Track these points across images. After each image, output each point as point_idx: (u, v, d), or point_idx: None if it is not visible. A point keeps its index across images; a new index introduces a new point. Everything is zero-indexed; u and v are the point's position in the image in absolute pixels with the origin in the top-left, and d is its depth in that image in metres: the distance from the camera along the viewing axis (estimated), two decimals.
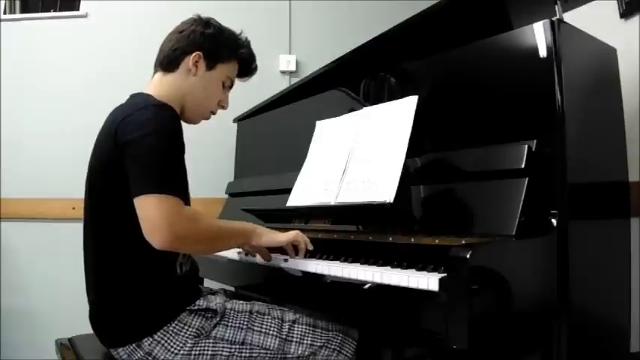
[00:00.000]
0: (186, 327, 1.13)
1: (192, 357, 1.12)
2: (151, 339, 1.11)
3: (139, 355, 1.11)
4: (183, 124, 1.21)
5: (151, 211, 1.03)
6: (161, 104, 1.14)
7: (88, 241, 1.19)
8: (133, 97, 1.24)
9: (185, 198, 1.12)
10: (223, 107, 1.37)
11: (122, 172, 1.07)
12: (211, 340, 1.15)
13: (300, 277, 1.27)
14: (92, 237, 1.17)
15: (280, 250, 1.28)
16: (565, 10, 1.17)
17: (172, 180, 1.07)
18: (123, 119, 1.09)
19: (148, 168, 1.05)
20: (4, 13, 2.43)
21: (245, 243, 1.26)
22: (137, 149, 1.06)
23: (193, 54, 1.25)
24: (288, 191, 1.49)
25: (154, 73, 1.30)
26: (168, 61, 1.27)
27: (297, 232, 1.26)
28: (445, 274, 0.91)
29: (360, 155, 1.31)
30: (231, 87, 1.36)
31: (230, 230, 1.22)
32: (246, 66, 1.37)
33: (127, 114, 1.10)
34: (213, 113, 1.36)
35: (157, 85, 1.27)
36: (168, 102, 1.20)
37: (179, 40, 1.27)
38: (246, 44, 1.35)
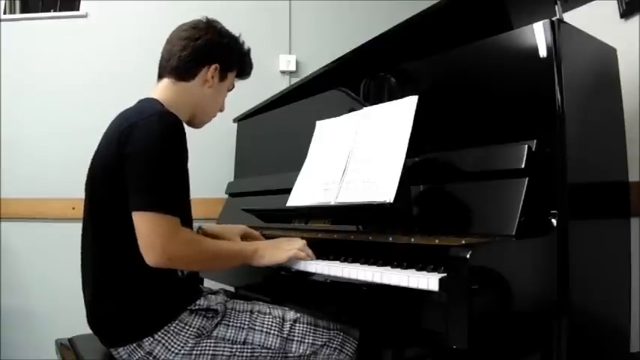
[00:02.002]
0: (187, 327, 1.13)
1: (193, 357, 1.12)
2: (151, 339, 1.11)
3: (139, 354, 1.11)
4: (186, 126, 1.21)
5: (147, 230, 1.05)
6: (167, 113, 1.14)
7: (88, 243, 1.19)
8: (141, 102, 1.23)
9: (185, 212, 1.13)
10: (221, 110, 1.39)
11: (124, 179, 1.07)
12: (212, 340, 1.15)
13: (301, 277, 1.27)
14: (92, 239, 1.17)
15: None
16: (565, 10, 1.17)
17: (171, 198, 1.08)
18: (128, 126, 1.09)
19: (147, 183, 1.06)
20: (4, 13, 2.43)
21: (245, 264, 1.24)
22: (139, 161, 1.07)
23: (212, 66, 1.26)
24: (288, 191, 1.49)
25: (162, 77, 1.27)
26: (184, 71, 1.25)
27: (299, 247, 1.22)
28: (445, 274, 0.91)
29: (360, 155, 1.31)
30: (231, 90, 1.39)
31: (227, 253, 1.22)
32: (245, 72, 1.39)
33: (133, 121, 1.10)
34: (214, 116, 1.39)
35: (166, 92, 1.25)
36: (178, 109, 1.20)
37: (196, 50, 1.25)
38: (247, 51, 1.37)
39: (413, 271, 1.00)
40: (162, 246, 1.05)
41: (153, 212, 1.05)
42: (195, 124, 1.34)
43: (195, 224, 1.35)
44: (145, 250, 1.05)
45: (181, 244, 1.08)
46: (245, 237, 1.52)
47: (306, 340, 1.21)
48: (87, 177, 1.21)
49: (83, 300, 1.20)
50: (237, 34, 1.35)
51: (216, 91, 1.31)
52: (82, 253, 1.21)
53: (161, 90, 1.26)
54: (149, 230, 1.05)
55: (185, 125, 1.22)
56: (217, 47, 1.27)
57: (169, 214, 1.06)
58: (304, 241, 1.25)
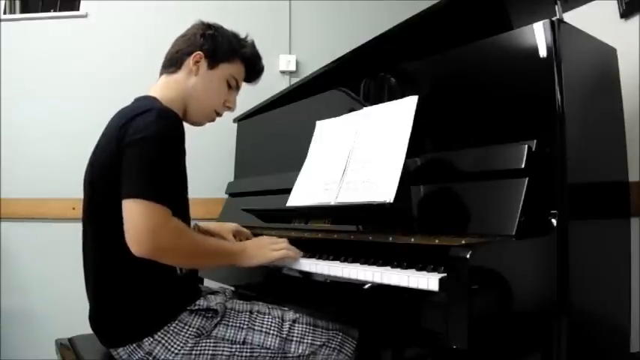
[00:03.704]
0: (186, 327, 1.13)
1: (193, 357, 1.12)
2: (151, 339, 1.11)
3: (139, 355, 1.11)
4: (186, 125, 1.21)
5: (135, 217, 1.03)
6: (164, 108, 1.14)
7: (88, 242, 1.19)
8: (138, 100, 1.24)
9: (178, 206, 1.12)
10: (229, 108, 1.37)
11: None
12: (212, 340, 1.15)
13: (300, 277, 1.27)
14: (92, 238, 1.17)
15: None
16: (565, 10, 1.17)
17: (163, 188, 1.06)
18: (126, 122, 1.09)
19: (140, 172, 1.05)
20: (4, 13, 2.43)
21: (232, 264, 1.23)
22: (134, 151, 1.06)
23: (194, 54, 1.28)
24: (288, 191, 1.49)
25: (160, 77, 1.32)
26: (170, 63, 1.30)
27: (285, 249, 1.24)
28: (445, 274, 0.91)
29: (360, 155, 1.31)
30: (237, 88, 1.37)
31: (215, 250, 1.20)
32: (251, 66, 1.38)
33: (130, 117, 1.10)
34: (219, 114, 1.36)
35: (161, 87, 1.28)
36: (172, 104, 1.21)
37: (181, 42, 1.30)
38: (249, 44, 1.36)
39: (413, 271, 1.00)
40: (150, 235, 1.01)
41: (142, 199, 1.02)
42: (193, 118, 1.32)
43: (193, 222, 1.35)
44: (131, 238, 1.02)
45: (170, 234, 1.06)
46: (236, 235, 1.54)
47: (306, 340, 1.21)
48: (85, 176, 1.21)
49: (88, 300, 1.19)
50: (243, 35, 1.36)
51: (205, 79, 1.29)
52: (84, 253, 1.21)
53: (157, 87, 1.29)
54: (137, 217, 1.02)
55: (186, 125, 1.22)
56: (200, 37, 1.29)
57: (160, 202, 1.04)
58: (285, 240, 1.27)
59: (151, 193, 1.03)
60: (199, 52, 1.28)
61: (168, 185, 1.08)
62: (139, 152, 1.06)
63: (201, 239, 1.19)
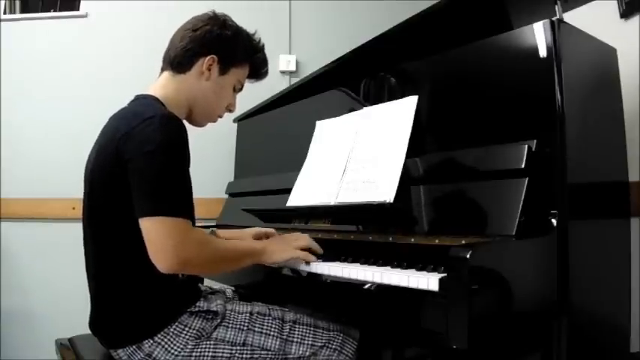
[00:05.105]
0: (186, 329, 1.13)
1: (193, 358, 1.12)
2: (151, 340, 1.10)
3: (139, 356, 1.11)
4: (187, 125, 1.20)
5: (157, 235, 1.01)
6: (167, 114, 1.10)
7: (88, 243, 1.18)
8: (138, 98, 1.21)
9: (192, 215, 1.10)
10: (231, 110, 1.34)
11: (125, 183, 1.05)
12: (212, 342, 1.14)
13: (300, 278, 1.27)
14: (92, 239, 1.16)
15: None
16: (565, 10, 1.17)
17: (180, 201, 1.04)
18: (128, 131, 1.06)
19: (154, 188, 1.03)
20: (4, 13, 2.43)
21: (256, 263, 1.21)
22: (143, 167, 1.03)
23: (208, 57, 1.21)
24: (288, 191, 1.49)
25: (162, 70, 1.25)
26: (179, 62, 1.21)
27: (305, 244, 1.22)
28: (445, 274, 0.91)
29: (360, 155, 1.31)
30: (240, 90, 1.34)
31: (238, 252, 1.20)
32: (258, 70, 1.35)
33: (133, 125, 1.06)
34: (220, 117, 1.34)
35: (164, 86, 1.22)
36: (176, 105, 1.18)
37: (193, 40, 1.21)
38: (260, 48, 1.32)
39: (413, 271, 1.00)
40: (174, 250, 1.00)
41: (163, 216, 1.01)
42: (196, 121, 1.29)
43: (198, 223, 1.34)
44: (155, 256, 1.01)
45: (194, 246, 1.05)
46: (259, 237, 1.48)
47: (306, 342, 1.20)
48: (85, 178, 1.19)
49: (90, 299, 1.19)
50: (251, 31, 1.30)
51: (216, 85, 1.24)
52: (85, 255, 1.20)
53: (159, 84, 1.23)
54: (160, 235, 1.01)
55: (186, 123, 1.20)
56: (216, 38, 1.22)
57: (180, 216, 1.03)
58: (306, 235, 1.25)
59: (167, 209, 1.02)
60: (213, 55, 1.21)
61: (181, 196, 1.06)
62: (145, 167, 1.03)
63: (222, 244, 1.19)
